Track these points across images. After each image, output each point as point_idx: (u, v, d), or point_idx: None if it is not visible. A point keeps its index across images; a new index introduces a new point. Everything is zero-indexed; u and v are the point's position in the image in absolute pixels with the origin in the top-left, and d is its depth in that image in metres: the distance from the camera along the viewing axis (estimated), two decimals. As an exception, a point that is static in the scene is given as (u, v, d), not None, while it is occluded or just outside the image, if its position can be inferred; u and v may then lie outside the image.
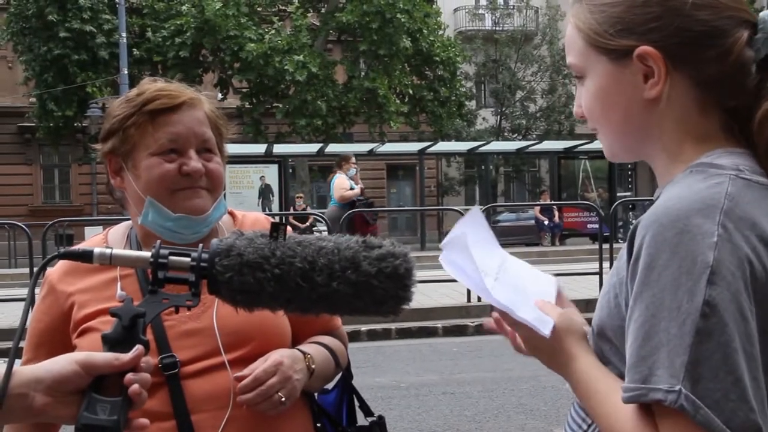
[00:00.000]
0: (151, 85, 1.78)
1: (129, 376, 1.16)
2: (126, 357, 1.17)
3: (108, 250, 1.22)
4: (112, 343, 1.19)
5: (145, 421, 1.19)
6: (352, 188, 12.91)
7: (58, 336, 1.75)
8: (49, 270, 1.82)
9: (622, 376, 1.15)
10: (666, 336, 1.04)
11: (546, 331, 1.24)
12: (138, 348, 1.18)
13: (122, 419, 1.14)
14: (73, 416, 1.15)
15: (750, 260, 1.05)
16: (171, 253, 1.20)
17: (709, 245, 1.04)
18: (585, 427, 1.26)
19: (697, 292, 1.03)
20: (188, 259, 1.17)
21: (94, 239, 1.89)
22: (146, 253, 1.21)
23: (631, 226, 1.17)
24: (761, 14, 1.20)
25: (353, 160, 13.29)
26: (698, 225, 1.06)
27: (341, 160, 13.43)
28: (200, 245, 1.21)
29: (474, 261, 1.27)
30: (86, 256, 1.22)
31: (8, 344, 8.32)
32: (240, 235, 1.18)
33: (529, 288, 1.33)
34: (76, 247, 1.26)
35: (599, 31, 1.22)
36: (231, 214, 1.91)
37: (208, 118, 1.79)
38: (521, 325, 1.27)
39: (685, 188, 1.13)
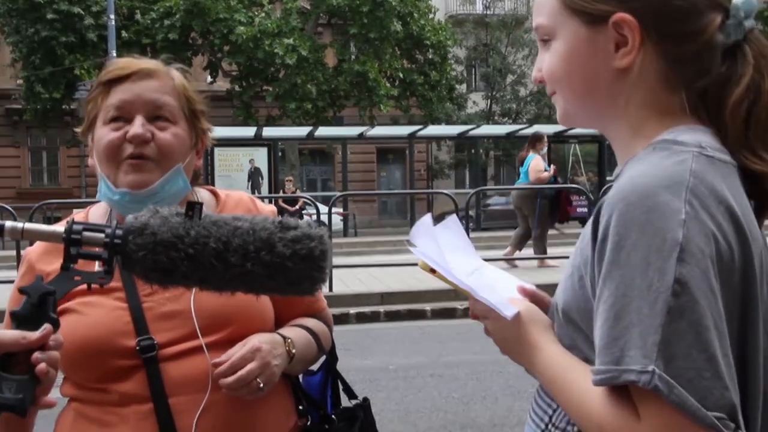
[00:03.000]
0: (116, 60, 1.78)
1: (36, 354, 1.15)
2: (34, 335, 1.16)
3: (20, 224, 1.20)
4: (20, 320, 1.18)
5: (53, 399, 1.19)
6: (546, 170, 12.54)
7: None
8: (29, 248, 1.80)
9: (587, 361, 1.14)
10: (637, 316, 1.02)
11: (508, 313, 1.24)
12: (46, 326, 1.17)
13: (28, 398, 1.14)
14: None
15: (716, 237, 1.04)
16: (85, 229, 1.18)
17: (678, 222, 1.03)
18: (550, 412, 1.25)
19: (667, 270, 1.01)
20: (102, 235, 1.15)
21: (75, 216, 1.86)
22: (59, 228, 1.19)
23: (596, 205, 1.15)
24: (734, 1, 1.19)
25: (545, 139, 12.76)
26: (666, 202, 1.04)
27: (534, 140, 12.61)
28: (114, 222, 1.19)
29: (438, 243, 1.30)
30: None
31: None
32: (155, 212, 1.17)
33: (502, 289, 1.33)
34: None
35: None
36: (214, 192, 1.88)
37: (174, 88, 1.74)
38: (487, 310, 1.27)
39: (650, 165, 1.11)
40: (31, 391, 1.15)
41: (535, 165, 12.30)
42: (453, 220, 1.43)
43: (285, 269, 1.18)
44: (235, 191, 1.92)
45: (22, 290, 1.20)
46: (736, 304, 1.07)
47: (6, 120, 32.70)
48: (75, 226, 1.18)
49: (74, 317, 1.65)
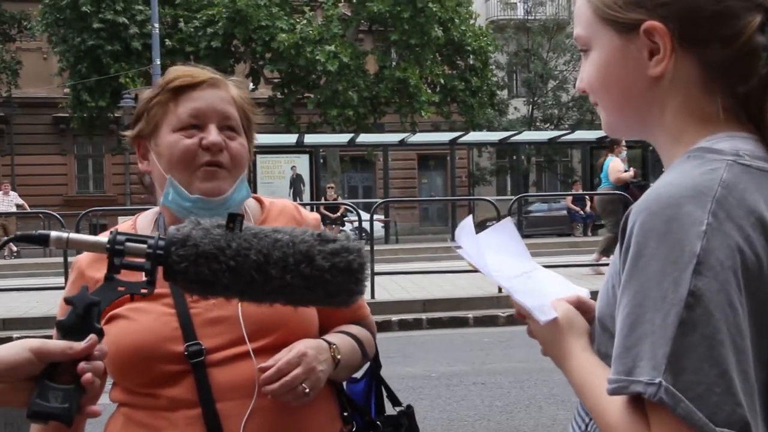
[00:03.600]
0: (177, 68, 1.79)
1: (82, 364, 1.16)
2: (80, 346, 1.17)
3: (65, 234, 1.22)
4: (65, 330, 1.19)
5: (97, 408, 1.20)
6: (626, 170, 12.64)
7: None
8: (78, 256, 1.82)
9: None
10: (650, 327, 1.01)
11: (542, 318, 1.26)
12: (92, 337, 1.18)
13: (74, 407, 1.15)
14: (25, 403, 1.16)
15: (741, 250, 1.01)
16: (128, 240, 1.19)
17: (697, 234, 1.01)
18: (587, 420, 1.25)
19: (682, 282, 1.00)
20: (144, 246, 1.17)
21: (122, 225, 1.89)
22: (103, 239, 1.20)
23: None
24: None
25: (623, 143, 12.91)
26: (688, 213, 1.02)
27: (612, 144, 12.85)
28: (157, 233, 1.20)
29: (479, 244, 1.32)
30: (43, 240, 1.22)
31: (43, 332, 8.42)
32: (197, 224, 1.18)
33: (552, 293, 1.34)
34: (37, 232, 1.26)
35: (608, 3, 1.19)
36: (258, 200, 1.89)
37: (233, 100, 1.78)
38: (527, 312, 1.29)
39: (679, 175, 1.09)
40: (77, 401, 1.16)
41: (614, 166, 12.35)
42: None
43: (324, 282, 1.19)
44: (280, 199, 1.94)
45: (68, 300, 1.21)
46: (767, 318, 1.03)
47: (53, 128, 33.26)
48: (119, 237, 1.20)
49: (123, 323, 1.68)
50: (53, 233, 1.22)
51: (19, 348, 1.17)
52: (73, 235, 1.23)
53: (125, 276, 1.23)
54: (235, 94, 1.79)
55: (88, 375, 1.16)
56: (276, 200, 1.92)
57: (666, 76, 1.16)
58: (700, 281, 0.99)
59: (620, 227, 1.12)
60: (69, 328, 1.19)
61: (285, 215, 1.85)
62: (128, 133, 1.82)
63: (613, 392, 1.04)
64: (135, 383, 1.68)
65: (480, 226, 1.41)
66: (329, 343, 1.73)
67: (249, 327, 1.66)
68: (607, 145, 15.42)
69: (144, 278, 1.21)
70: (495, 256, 1.36)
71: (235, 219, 1.18)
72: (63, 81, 29.03)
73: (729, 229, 1.02)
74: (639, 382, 1.00)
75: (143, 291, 1.21)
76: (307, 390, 1.61)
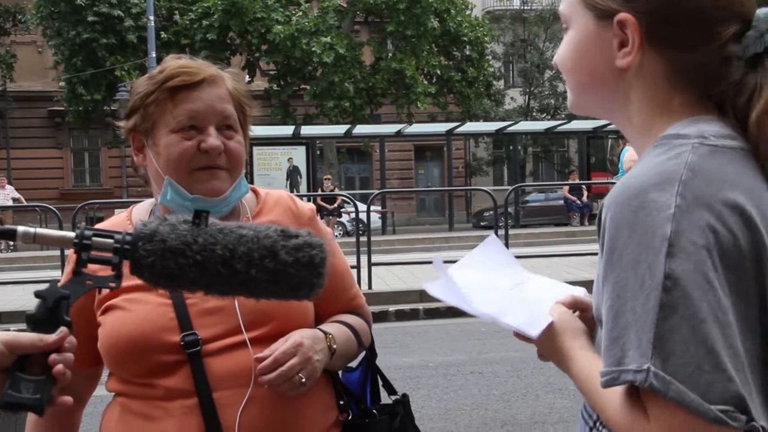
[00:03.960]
0: (174, 62, 1.76)
1: (53, 356, 1.19)
2: (51, 338, 1.19)
3: (32, 229, 1.23)
4: (36, 323, 1.21)
5: (68, 398, 1.22)
6: None
7: (83, 313, 1.75)
8: None
9: None
10: (633, 315, 1.02)
11: (532, 332, 1.27)
12: (63, 329, 1.20)
13: (45, 397, 1.18)
14: None
15: (713, 228, 1.02)
16: (95, 234, 1.21)
17: (666, 218, 1.02)
18: (595, 417, 1.25)
19: (657, 267, 1.00)
20: (111, 241, 1.19)
21: (117, 216, 1.90)
22: (70, 234, 1.22)
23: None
24: (759, 11, 1.16)
25: None
26: (654, 199, 1.03)
27: None
28: (124, 229, 1.22)
29: (455, 282, 1.35)
30: (10, 234, 1.23)
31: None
32: (164, 220, 1.20)
33: (549, 298, 1.35)
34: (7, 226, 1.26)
35: None
36: (254, 191, 1.90)
37: (230, 95, 1.77)
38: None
39: (645, 164, 1.11)
40: (49, 391, 1.18)
41: (629, 155, 12.36)
42: (492, 239, 1.47)
43: (288, 276, 1.22)
44: (275, 190, 1.94)
45: (37, 294, 1.23)
46: (752, 291, 1.04)
47: (49, 122, 33.22)
48: (86, 232, 1.21)
49: (119, 314, 1.69)
50: (20, 228, 1.23)
51: None
52: (41, 230, 1.24)
53: (104, 271, 1.24)
54: (232, 87, 1.78)
55: (60, 366, 1.19)
56: (272, 191, 1.92)
57: (631, 69, 1.18)
58: (674, 263, 1.00)
59: (596, 222, 1.13)
60: (39, 321, 1.21)
61: (280, 206, 1.86)
62: (122, 124, 1.81)
63: (605, 384, 1.05)
64: (131, 373, 1.69)
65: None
66: (325, 333, 1.74)
67: (245, 317, 1.67)
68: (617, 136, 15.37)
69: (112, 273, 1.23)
70: (485, 274, 1.39)
71: (200, 215, 1.21)
72: (58, 74, 28.97)
73: (699, 209, 1.02)
74: (628, 371, 1.01)
75: (111, 285, 1.23)
76: (304, 380, 1.62)
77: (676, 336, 0.99)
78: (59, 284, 1.23)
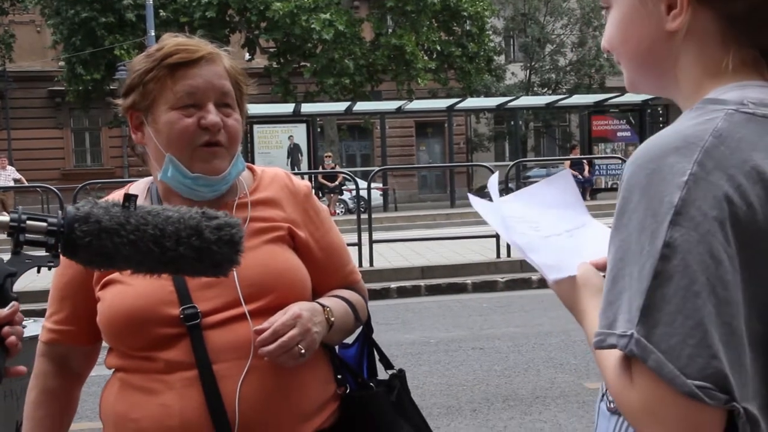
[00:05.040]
0: (171, 40, 1.77)
1: (6, 328, 1.27)
2: (3, 312, 1.27)
3: None
4: None
5: (22, 368, 1.30)
6: None
7: (82, 288, 1.78)
8: None
9: None
10: (629, 280, 1.00)
11: (551, 276, 1.27)
12: (14, 304, 1.28)
13: (1, 368, 1.26)
14: None
15: (730, 199, 0.98)
16: (29, 218, 1.28)
17: (677, 185, 0.99)
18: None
19: (659, 234, 0.98)
20: (45, 224, 1.26)
21: (113, 195, 1.90)
22: (5, 217, 1.28)
23: None
24: None
25: None
26: (671, 164, 1.01)
27: None
28: (59, 212, 1.29)
29: (501, 209, 1.34)
30: None
31: (42, 305, 8.45)
32: (95, 204, 1.28)
33: (589, 254, 1.32)
34: None
35: None
36: (250, 168, 1.91)
37: (228, 73, 1.78)
38: None
39: (672, 127, 1.07)
40: (3, 362, 1.26)
41: None
42: (565, 174, 1.44)
43: (211, 253, 1.31)
44: (272, 168, 1.96)
45: None
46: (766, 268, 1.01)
47: (49, 102, 33.15)
48: (22, 216, 1.28)
49: (119, 288, 1.70)
50: None
51: None
52: None
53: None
54: (229, 65, 1.79)
55: (12, 338, 1.26)
56: (268, 168, 1.93)
57: (681, 31, 1.12)
58: (677, 232, 0.97)
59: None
60: None
61: (276, 183, 1.87)
62: (120, 102, 1.82)
63: (595, 346, 1.05)
64: (131, 347, 1.71)
65: (478, 193, 1.42)
66: (323, 306, 1.76)
67: (244, 290, 1.69)
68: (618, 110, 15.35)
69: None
70: (537, 211, 1.37)
71: (130, 198, 1.29)
72: (57, 54, 28.87)
73: (717, 178, 0.99)
74: (613, 335, 1.01)
75: (49, 263, 1.29)
76: (303, 351, 1.64)
77: (666, 306, 0.97)
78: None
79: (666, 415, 0.97)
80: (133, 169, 30.31)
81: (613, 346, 1.01)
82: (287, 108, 23.75)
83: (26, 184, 21.36)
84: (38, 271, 1.36)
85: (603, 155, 23.15)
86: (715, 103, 1.08)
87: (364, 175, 18.77)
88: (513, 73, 33.89)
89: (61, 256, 1.28)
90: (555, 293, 1.31)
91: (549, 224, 1.37)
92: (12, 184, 20.95)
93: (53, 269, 1.33)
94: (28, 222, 1.27)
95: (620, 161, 15.43)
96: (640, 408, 1.00)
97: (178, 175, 1.73)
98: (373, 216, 11.68)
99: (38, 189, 18.11)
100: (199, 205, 1.75)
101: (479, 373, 6.29)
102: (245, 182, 1.86)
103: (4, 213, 1.33)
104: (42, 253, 1.28)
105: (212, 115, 1.72)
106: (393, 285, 10.07)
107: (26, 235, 1.27)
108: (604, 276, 1.27)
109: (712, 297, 0.96)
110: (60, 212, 1.28)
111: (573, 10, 33.91)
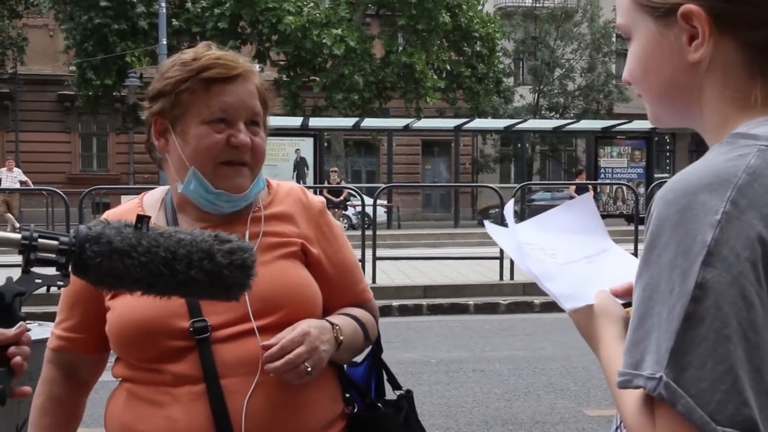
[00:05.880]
0: (208, 52, 1.76)
1: (12, 349, 1.25)
2: (10, 332, 1.25)
3: None
4: None
5: (27, 388, 1.28)
6: None
7: (92, 297, 1.77)
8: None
9: None
10: (658, 320, 0.98)
11: (567, 306, 1.25)
12: (21, 324, 1.27)
13: (6, 388, 1.24)
14: None
15: (763, 240, 0.96)
16: (41, 236, 1.27)
17: (710, 223, 0.96)
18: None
19: (690, 275, 0.95)
20: (56, 243, 1.25)
21: (128, 204, 1.90)
22: (17, 235, 1.27)
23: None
24: None
25: None
26: (703, 202, 0.98)
27: None
28: (71, 231, 1.27)
29: (517, 235, 1.32)
30: None
31: (50, 308, 8.42)
32: (107, 224, 1.27)
33: (608, 280, 1.29)
34: None
35: None
36: (266, 183, 1.90)
37: (258, 91, 1.78)
38: None
39: (703, 161, 1.05)
40: (8, 382, 1.24)
41: None
42: (585, 198, 1.42)
43: (222, 277, 1.30)
44: (287, 182, 1.95)
45: None
46: None
47: (58, 106, 33.25)
48: (33, 234, 1.27)
49: (129, 298, 1.68)
50: None
51: None
52: None
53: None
54: (259, 83, 1.79)
55: (18, 358, 1.25)
56: (283, 183, 1.93)
57: (704, 62, 1.09)
58: (709, 273, 0.95)
59: (646, 214, 1.08)
60: None
61: (291, 197, 1.86)
62: (146, 105, 1.80)
63: (620, 385, 1.03)
64: (139, 358, 1.70)
65: (482, 214, 1.41)
66: (332, 324, 1.75)
67: (254, 305, 1.68)
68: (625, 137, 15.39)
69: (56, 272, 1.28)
70: (554, 236, 1.35)
71: (143, 220, 1.28)
72: (69, 59, 28.95)
73: (750, 218, 0.97)
74: (641, 376, 0.98)
75: (59, 283, 1.28)
76: (310, 368, 1.63)
77: (696, 349, 0.95)
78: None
79: None
80: (138, 176, 30.37)
81: (639, 387, 0.99)
82: (295, 121, 23.79)
83: (32, 186, 21.38)
84: (47, 290, 1.35)
85: (609, 181, 23.11)
86: (746, 138, 1.05)
87: (370, 192, 18.79)
88: (521, 96, 33.96)
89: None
90: (572, 321, 1.29)
91: (566, 251, 1.35)
92: (18, 186, 20.96)
93: None
94: (40, 240, 1.26)
95: (627, 188, 15.40)
96: None
97: (201, 189, 1.73)
98: (377, 233, 11.67)
99: (44, 192, 18.10)
100: (214, 218, 1.76)
101: (479, 395, 6.26)
102: (260, 196, 1.85)
103: (16, 230, 1.32)
104: (52, 271, 1.27)
105: (243, 135, 1.72)
106: (395, 303, 10.04)
107: (37, 253, 1.26)
108: (623, 304, 1.26)
109: (743, 341, 0.94)
110: (71, 231, 1.27)
111: (583, 35, 34.01)
